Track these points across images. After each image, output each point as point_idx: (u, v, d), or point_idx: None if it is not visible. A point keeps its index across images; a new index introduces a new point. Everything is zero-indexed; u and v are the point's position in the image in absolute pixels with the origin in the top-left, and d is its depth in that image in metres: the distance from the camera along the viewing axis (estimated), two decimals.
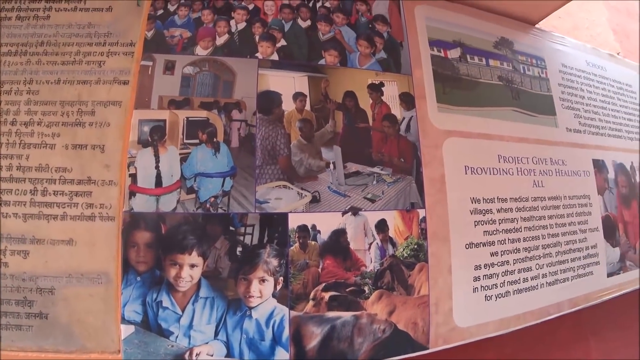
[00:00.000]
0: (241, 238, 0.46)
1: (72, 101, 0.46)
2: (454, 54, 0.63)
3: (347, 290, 0.48)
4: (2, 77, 0.47)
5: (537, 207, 0.62)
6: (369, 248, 0.50)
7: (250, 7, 0.55)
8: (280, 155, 0.50)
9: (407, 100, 0.57)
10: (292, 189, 0.49)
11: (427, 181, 0.54)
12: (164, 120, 0.48)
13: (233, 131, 0.49)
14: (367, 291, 0.49)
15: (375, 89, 0.56)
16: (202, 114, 0.49)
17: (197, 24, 0.52)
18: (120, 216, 0.44)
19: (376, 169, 0.53)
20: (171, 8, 0.52)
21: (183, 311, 0.43)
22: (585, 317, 0.68)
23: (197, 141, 0.48)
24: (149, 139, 0.47)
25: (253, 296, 0.44)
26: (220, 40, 0.52)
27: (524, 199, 0.61)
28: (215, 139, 0.48)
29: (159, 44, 0.50)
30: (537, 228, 0.61)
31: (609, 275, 0.68)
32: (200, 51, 0.51)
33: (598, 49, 0.84)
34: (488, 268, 0.55)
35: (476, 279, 0.54)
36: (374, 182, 0.52)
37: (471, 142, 0.59)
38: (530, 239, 0.60)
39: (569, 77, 0.75)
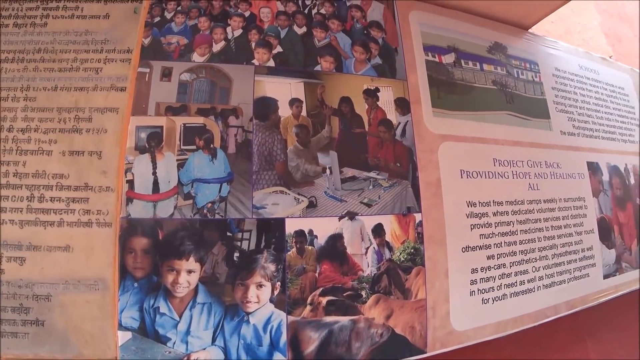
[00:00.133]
0: (238, 243, 0.46)
1: (69, 108, 0.47)
2: (448, 59, 0.64)
3: (345, 294, 0.48)
4: None
5: (533, 210, 0.62)
6: (366, 252, 0.50)
7: (247, 14, 0.55)
8: (276, 161, 0.50)
9: (403, 105, 0.57)
10: (288, 194, 0.49)
11: (423, 185, 0.54)
12: (161, 127, 0.48)
13: (230, 137, 0.49)
14: (364, 295, 0.49)
15: (371, 95, 0.56)
16: (199, 120, 0.49)
17: (194, 31, 0.52)
18: (118, 222, 0.44)
19: (372, 174, 0.53)
20: (168, 15, 0.52)
21: (180, 317, 0.43)
22: (582, 319, 0.68)
23: (194, 147, 0.48)
24: (146, 145, 0.47)
25: (250, 301, 0.44)
26: (216, 47, 0.52)
27: (519, 202, 0.61)
28: (212, 145, 0.49)
29: (156, 51, 0.50)
30: (533, 231, 0.61)
31: (605, 277, 0.68)
32: (197, 58, 0.51)
33: (590, 52, 0.85)
34: (485, 271, 0.56)
35: (473, 282, 0.55)
36: (370, 187, 0.53)
37: (466, 146, 0.60)
38: (527, 241, 0.60)
39: (563, 81, 0.75)
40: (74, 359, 0.41)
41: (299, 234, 0.47)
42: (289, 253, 0.47)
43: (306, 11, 0.58)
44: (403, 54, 0.60)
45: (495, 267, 0.57)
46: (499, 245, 0.58)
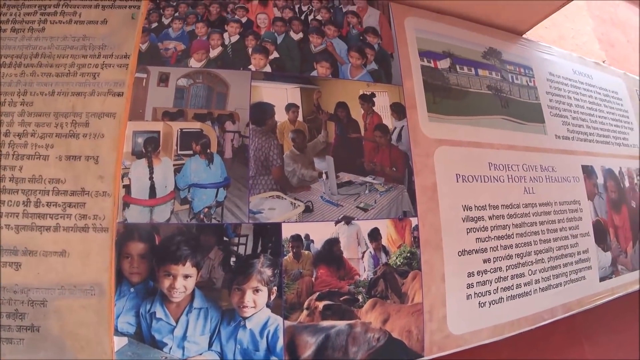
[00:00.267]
0: (235, 248, 0.46)
1: (66, 112, 0.47)
2: (443, 64, 0.64)
3: (341, 299, 0.48)
4: None
5: (529, 213, 0.63)
6: (362, 257, 0.50)
7: (244, 20, 0.56)
8: (273, 166, 0.50)
9: (398, 110, 0.58)
10: (285, 199, 0.49)
11: (419, 190, 0.54)
12: (158, 132, 0.48)
13: (226, 142, 0.50)
14: (361, 300, 0.49)
15: (367, 100, 0.57)
16: (196, 125, 0.49)
17: (191, 37, 0.53)
18: (114, 227, 0.44)
19: (368, 179, 0.54)
20: (165, 21, 0.53)
21: (177, 322, 0.43)
22: (578, 322, 0.68)
23: (190, 152, 0.49)
24: (143, 150, 0.47)
25: (247, 306, 0.44)
26: (213, 53, 0.53)
27: (515, 206, 0.62)
28: (208, 150, 0.49)
29: (153, 56, 0.51)
30: (529, 234, 0.62)
31: (602, 279, 0.69)
32: (194, 63, 0.52)
33: (584, 57, 0.86)
34: (481, 275, 0.56)
35: (469, 285, 0.55)
36: (367, 192, 0.53)
37: (462, 150, 0.60)
38: (523, 245, 0.61)
39: (557, 86, 0.76)
40: None
41: (296, 238, 0.48)
42: (285, 258, 0.47)
43: (303, 17, 0.58)
44: (399, 60, 0.60)
45: (492, 270, 0.57)
46: (495, 248, 0.58)
